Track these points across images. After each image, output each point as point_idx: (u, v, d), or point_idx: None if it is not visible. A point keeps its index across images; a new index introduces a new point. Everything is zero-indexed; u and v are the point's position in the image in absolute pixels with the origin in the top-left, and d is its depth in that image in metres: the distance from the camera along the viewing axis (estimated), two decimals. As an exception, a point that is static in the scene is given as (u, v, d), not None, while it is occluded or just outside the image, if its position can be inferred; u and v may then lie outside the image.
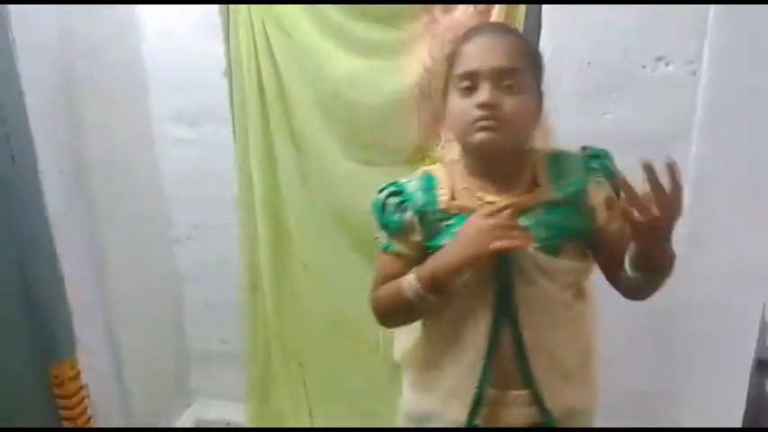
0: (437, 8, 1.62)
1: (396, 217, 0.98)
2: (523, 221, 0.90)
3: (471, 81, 0.89)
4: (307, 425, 1.99)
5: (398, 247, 0.99)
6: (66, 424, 1.59)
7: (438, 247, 0.93)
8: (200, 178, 1.97)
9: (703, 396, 1.65)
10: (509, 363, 0.94)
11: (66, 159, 1.57)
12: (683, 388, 1.70)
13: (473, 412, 0.95)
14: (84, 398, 1.62)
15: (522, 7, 1.58)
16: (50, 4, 1.49)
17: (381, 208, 0.99)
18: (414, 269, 0.93)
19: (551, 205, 0.92)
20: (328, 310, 1.89)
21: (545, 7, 1.54)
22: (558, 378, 0.96)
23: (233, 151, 1.88)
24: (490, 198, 0.93)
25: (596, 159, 0.97)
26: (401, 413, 1.12)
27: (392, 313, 0.98)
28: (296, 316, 1.96)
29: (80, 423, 1.61)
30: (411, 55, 1.66)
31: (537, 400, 0.94)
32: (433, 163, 1.26)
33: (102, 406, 1.70)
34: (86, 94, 1.64)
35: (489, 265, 0.89)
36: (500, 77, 0.88)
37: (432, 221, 0.96)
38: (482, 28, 0.98)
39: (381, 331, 1.48)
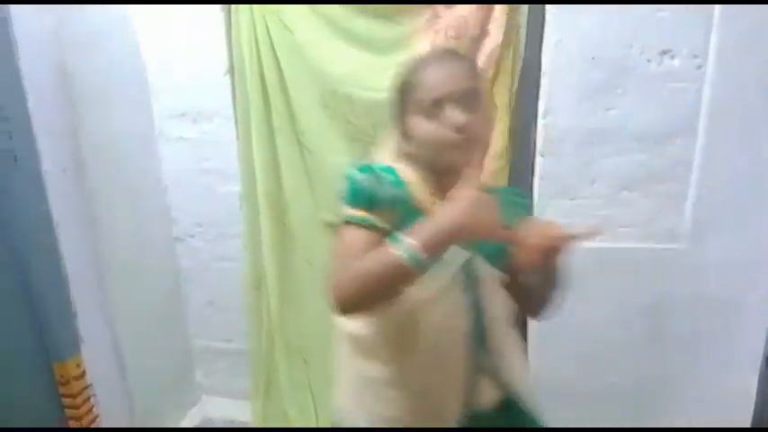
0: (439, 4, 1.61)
1: (389, 190, 0.96)
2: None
3: (439, 105, 0.93)
4: (312, 423, 1.99)
5: (378, 221, 0.94)
6: (71, 423, 1.59)
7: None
8: (203, 176, 1.97)
9: (711, 393, 1.64)
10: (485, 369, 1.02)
11: (69, 159, 1.57)
12: (691, 385, 1.69)
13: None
14: (89, 397, 1.62)
15: (525, 5, 1.57)
16: (52, 4, 1.49)
17: (373, 179, 0.96)
18: (395, 237, 0.87)
19: None
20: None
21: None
22: (516, 359, 1.07)
23: (236, 149, 1.88)
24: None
25: (524, 199, 1.07)
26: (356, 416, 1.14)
27: (371, 288, 0.88)
28: (300, 313, 1.96)
29: (85, 422, 1.61)
30: (413, 51, 1.65)
31: (502, 385, 1.05)
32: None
33: (108, 405, 1.70)
34: (88, 94, 1.63)
35: (460, 282, 0.97)
36: (465, 98, 0.93)
37: (402, 209, 0.96)
38: (437, 55, 1.01)
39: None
